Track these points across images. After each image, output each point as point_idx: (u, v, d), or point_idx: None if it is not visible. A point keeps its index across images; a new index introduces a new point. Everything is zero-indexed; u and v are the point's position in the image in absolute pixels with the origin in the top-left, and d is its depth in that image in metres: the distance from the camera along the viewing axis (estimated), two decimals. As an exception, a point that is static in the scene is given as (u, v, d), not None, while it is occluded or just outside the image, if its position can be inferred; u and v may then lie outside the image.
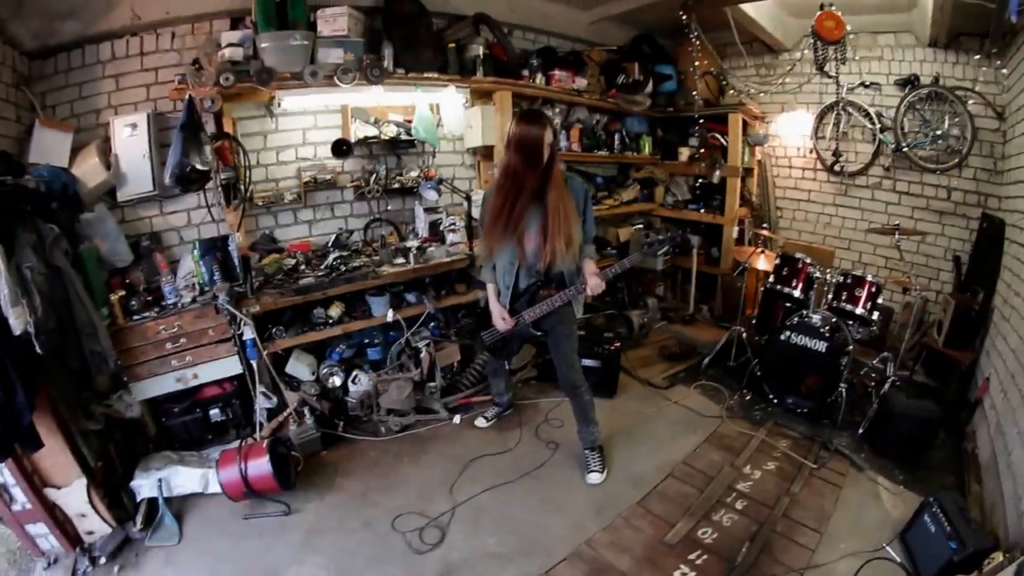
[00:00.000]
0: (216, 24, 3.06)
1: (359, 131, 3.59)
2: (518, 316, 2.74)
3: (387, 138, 3.63)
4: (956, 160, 3.86)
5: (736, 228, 4.82)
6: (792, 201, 5.01)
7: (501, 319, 2.76)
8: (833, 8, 3.33)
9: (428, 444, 3.22)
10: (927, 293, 4.06)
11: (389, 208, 3.86)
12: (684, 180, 5.20)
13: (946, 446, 3.13)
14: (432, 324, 3.68)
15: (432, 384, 3.52)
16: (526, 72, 3.93)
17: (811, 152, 4.72)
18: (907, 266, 3.47)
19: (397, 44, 3.31)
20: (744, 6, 3.94)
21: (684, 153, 4.93)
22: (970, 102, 3.71)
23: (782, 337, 3.46)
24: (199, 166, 2.77)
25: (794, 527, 2.56)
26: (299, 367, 3.31)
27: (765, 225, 4.84)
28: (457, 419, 3.43)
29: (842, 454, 3.11)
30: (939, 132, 3.88)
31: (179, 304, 2.82)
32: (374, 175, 3.67)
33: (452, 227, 3.87)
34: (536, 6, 4.20)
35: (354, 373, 3.39)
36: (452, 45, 3.58)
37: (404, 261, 3.42)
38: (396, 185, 3.75)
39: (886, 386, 3.25)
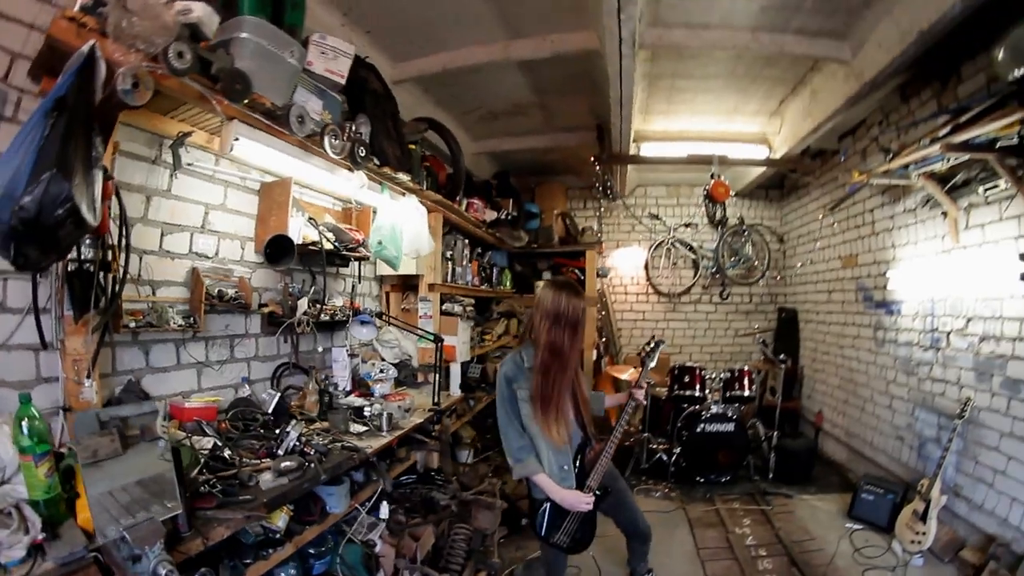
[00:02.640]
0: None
1: (303, 231, 2.79)
2: (589, 490, 2.51)
3: (327, 248, 2.91)
4: (757, 275, 6.08)
5: (594, 352, 5.66)
6: (629, 322, 6.43)
7: (585, 503, 2.46)
8: (721, 177, 4.74)
9: None
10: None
11: (301, 349, 3.07)
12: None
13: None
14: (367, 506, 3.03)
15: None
16: (457, 196, 3.94)
17: (645, 280, 6.31)
18: (727, 354, 5.13)
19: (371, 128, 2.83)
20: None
21: (539, 285, 5.60)
22: (764, 233, 6.00)
23: (698, 429, 4.44)
24: (84, 211, 1.44)
25: (801, 544, 3.60)
26: None
27: (611, 350, 5.96)
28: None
29: (775, 493, 4.33)
30: (744, 256, 5.99)
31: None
32: (304, 300, 2.87)
33: (381, 376, 3.42)
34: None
35: None
36: (413, 147, 3.24)
37: (367, 428, 2.74)
38: (325, 318, 3.03)
39: (775, 439, 4.59)
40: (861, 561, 3.31)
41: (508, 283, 5.71)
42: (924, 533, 3.15)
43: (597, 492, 2.50)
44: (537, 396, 2.40)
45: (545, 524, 2.53)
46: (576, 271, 5.71)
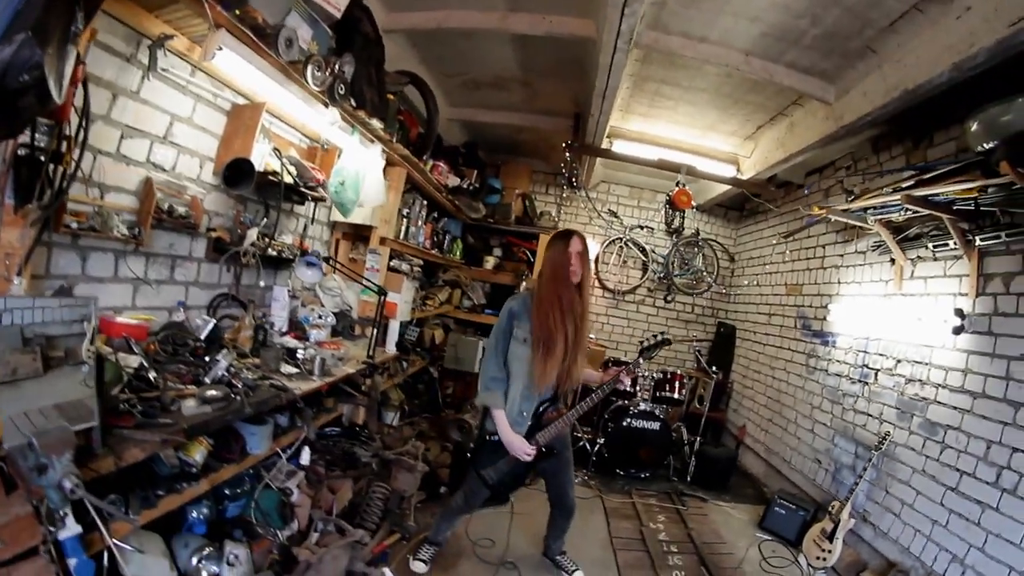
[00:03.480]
0: None
1: (265, 158, 2.75)
2: (535, 443, 2.65)
3: (288, 182, 2.89)
4: (704, 288, 6.43)
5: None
6: None
7: (526, 452, 2.62)
8: (685, 186, 4.95)
9: None
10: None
11: (243, 283, 3.01)
12: (480, 285, 6.02)
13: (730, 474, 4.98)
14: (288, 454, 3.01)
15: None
16: (424, 156, 3.94)
17: (594, 273, 6.40)
18: (661, 359, 5.34)
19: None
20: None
21: (489, 261, 5.81)
22: (716, 249, 6.35)
23: (624, 424, 4.63)
24: (51, 85, 1.38)
25: (711, 546, 3.79)
26: (150, 564, 1.96)
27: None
28: (390, 573, 2.81)
29: (691, 495, 4.56)
30: (694, 267, 6.31)
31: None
32: (254, 230, 2.81)
33: (319, 321, 3.43)
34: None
35: (226, 548, 2.30)
36: (392, 97, 3.25)
37: (298, 370, 2.73)
38: (272, 253, 3.00)
39: (697, 444, 4.85)
40: (768, 569, 3.51)
41: (458, 253, 5.75)
42: (830, 551, 3.39)
43: (543, 449, 2.66)
44: (534, 335, 2.54)
45: (483, 456, 2.71)
46: (527, 252, 5.82)
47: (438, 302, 5.20)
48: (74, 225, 1.99)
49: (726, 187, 5.38)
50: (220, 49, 2.06)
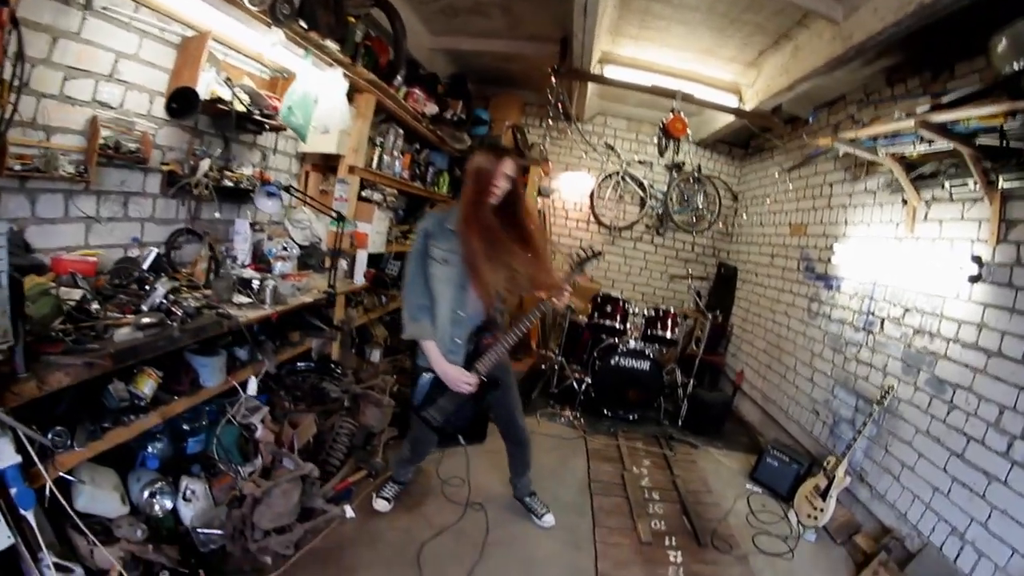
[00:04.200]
0: None
1: (212, 87, 2.67)
2: (475, 373, 2.49)
3: (240, 110, 2.79)
4: (705, 226, 6.23)
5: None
6: (566, 247, 6.34)
7: (465, 383, 2.46)
8: (681, 113, 4.61)
9: (343, 558, 2.54)
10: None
11: (203, 216, 2.95)
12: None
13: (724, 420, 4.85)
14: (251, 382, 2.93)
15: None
16: (395, 81, 3.77)
17: (589, 208, 6.31)
18: (659, 297, 5.21)
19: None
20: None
21: None
22: (719, 187, 6.12)
23: (612, 362, 4.49)
24: None
25: (697, 494, 3.66)
26: (101, 496, 2.01)
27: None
28: (350, 511, 2.81)
29: (680, 440, 4.44)
30: (695, 205, 6.10)
31: None
32: (207, 161, 2.72)
33: (284, 253, 3.38)
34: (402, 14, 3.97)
35: (183, 484, 2.33)
36: (352, 20, 3.11)
37: (251, 300, 2.65)
38: (228, 183, 2.88)
39: (690, 387, 4.70)
40: (754, 524, 3.38)
41: (445, 187, 5.56)
42: (822, 510, 3.23)
43: (484, 378, 2.50)
44: (461, 255, 2.37)
45: (423, 395, 2.54)
46: None
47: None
48: (18, 167, 2.01)
49: (728, 119, 5.06)
50: None
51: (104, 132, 2.31)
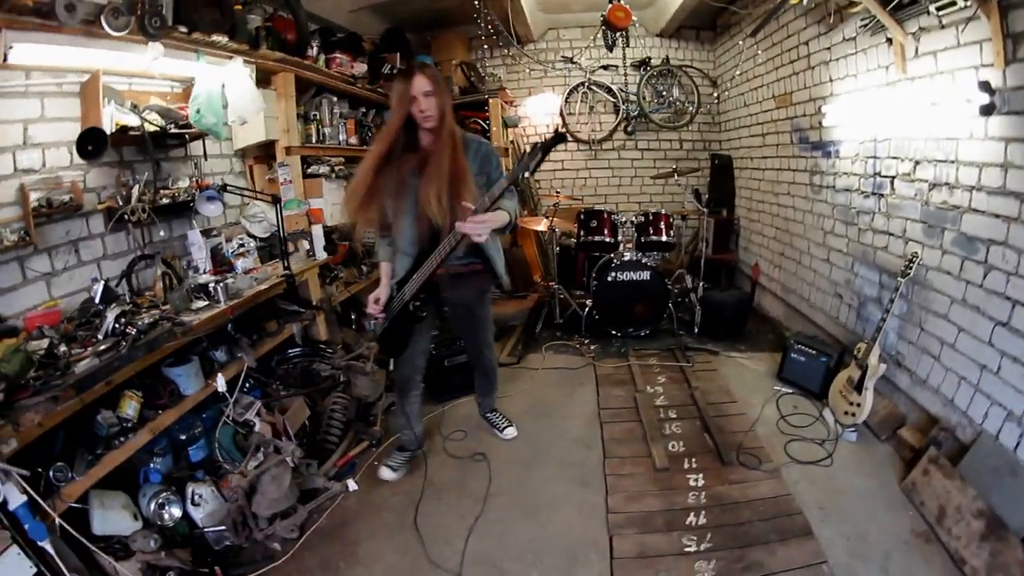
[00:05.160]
0: None
1: (116, 118, 2.69)
2: (400, 298, 2.60)
3: (152, 130, 2.81)
4: (687, 119, 5.95)
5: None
6: (548, 172, 6.25)
7: (374, 302, 2.65)
8: (621, 1, 4.39)
9: (348, 532, 2.63)
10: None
11: (155, 239, 3.01)
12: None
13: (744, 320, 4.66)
14: (249, 385, 3.05)
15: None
16: (310, 52, 3.70)
17: (562, 127, 6.06)
18: (657, 204, 5.02)
19: (176, -8, 2.57)
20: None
21: None
22: (694, 76, 5.80)
23: (609, 279, 4.37)
24: None
25: (719, 407, 3.46)
26: (112, 517, 2.24)
27: (528, 202, 5.87)
28: (352, 484, 2.89)
29: (698, 349, 4.29)
30: (672, 99, 5.83)
31: None
32: (136, 187, 2.78)
33: (242, 250, 3.46)
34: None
35: (189, 490, 2.51)
36: (239, 7, 3.04)
37: (207, 302, 2.74)
38: (165, 201, 2.92)
39: (700, 291, 4.56)
40: (786, 430, 3.14)
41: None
42: (859, 404, 2.93)
43: (413, 305, 2.57)
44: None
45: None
46: (479, 122, 5.41)
47: (393, 195, 5.06)
48: None
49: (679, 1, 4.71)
50: (11, 48, 2.19)
51: (34, 195, 2.44)
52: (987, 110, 2.42)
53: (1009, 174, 2.36)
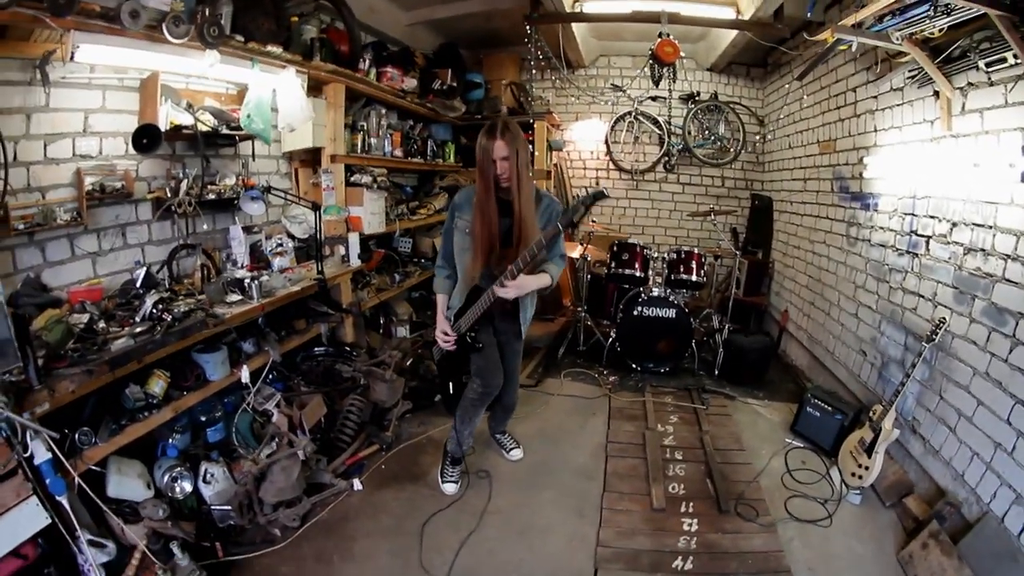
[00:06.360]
0: None
1: (171, 116, 2.94)
2: (457, 329, 2.80)
3: (204, 130, 3.04)
4: (731, 157, 5.96)
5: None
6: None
7: (440, 335, 2.84)
8: (670, 36, 4.41)
9: (346, 528, 2.76)
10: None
11: (199, 230, 3.21)
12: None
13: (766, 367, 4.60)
14: (272, 377, 3.26)
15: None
16: (362, 66, 3.90)
17: (606, 154, 6.21)
18: (694, 240, 5.06)
19: (235, 3, 2.87)
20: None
21: None
22: (741, 113, 5.82)
23: (635, 312, 4.41)
24: None
25: (726, 453, 3.47)
26: (127, 483, 2.43)
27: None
28: (357, 484, 3.04)
29: (715, 392, 4.27)
30: (717, 135, 5.86)
31: None
32: (185, 181, 3.01)
33: (280, 249, 3.67)
34: (366, -1, 4.13)
35: (203, 468, 2.68)
36: (295, 19, 3.30)
37: (241, 297, 2.95)
38: (211, 196, 3.15)
39: (725, 333, 4.54)
40: (790, 485, 3.14)
41: (451, 156, 5.66)
42: (867, 468, 2.92)
43: (468, 336, 2.80)
44: (471, 228, 2.65)
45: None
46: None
47: (433, 209, 5.21)
48: (22, 226, 2.43)
49: (731, 35, 4.72)
50: (78, 48, 2.38)
51: (89, 179, 2.67)
52: (1027, 177, 2.35)
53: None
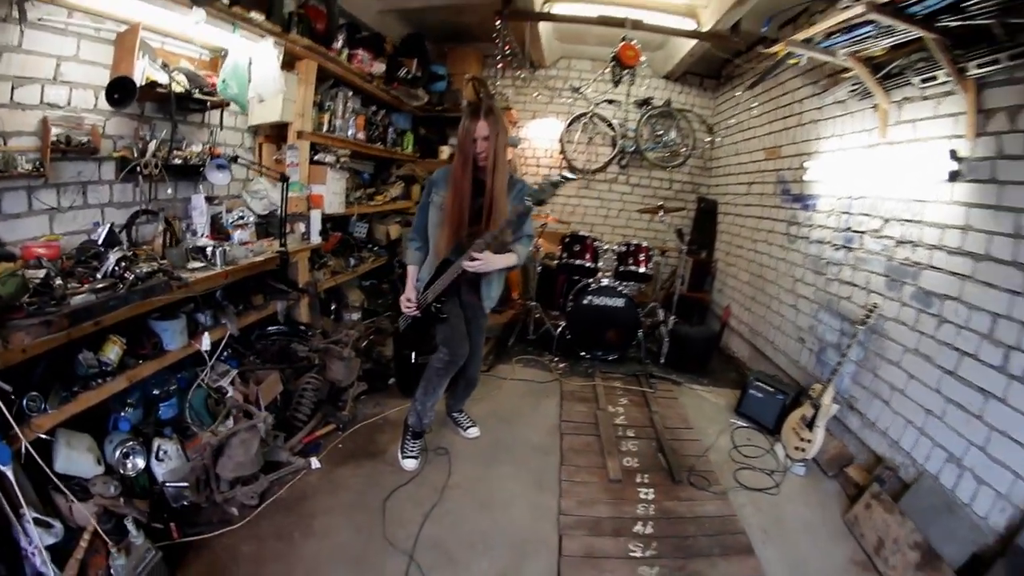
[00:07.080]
0: None
1: (147, 72, 2.83)
2: (423, 300, 2.93)
3: (179, 91, 2.95)
4: (679, 161, 6.31)
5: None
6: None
7: (407, 300, 2.96)
8: (633, 41, 4.71)
9: (306, 506, 2.72)
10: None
11: (161, 197, 3.10)
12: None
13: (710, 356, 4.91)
14: (227, 355, 3.19)
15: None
16: (335, 45, 3.89)
17: (559, 153, 6.43)
18: (641, 239, 5.27)
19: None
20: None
21: (445, 152, 5.78)
22: (692, 121, 6.18)
23: (584, 301, 4.58)
24: None
25: (675, 431, 3.70)
26: (76, 458, 2.27)
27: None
28: (315, 462, 3.02)
29: (662, 378, 4.52)
30: (668, 140, 6.18)
31: None
32: (153, 143, 2.91)
33: (241, 222, 3.63)
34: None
35: (155, 445, 2.57)
36: None
37: (204, 264, 2.89)
38: (177, 161, 3.05)
39: (670, 324, 4.80)
40: (737, 459, 3.38)
41: (409, 147, 5.69)
42: (810, 441, 3.18)
43: (435, 307, 2.92)
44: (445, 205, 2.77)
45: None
46: None
47: (389, 197, 5.23)
48: None
49: (690, 44, 5.03)
50: None
51: (55, 130, 2.53)
52: (954, 176, 2.76)
53: (968, 236, 2.66)
